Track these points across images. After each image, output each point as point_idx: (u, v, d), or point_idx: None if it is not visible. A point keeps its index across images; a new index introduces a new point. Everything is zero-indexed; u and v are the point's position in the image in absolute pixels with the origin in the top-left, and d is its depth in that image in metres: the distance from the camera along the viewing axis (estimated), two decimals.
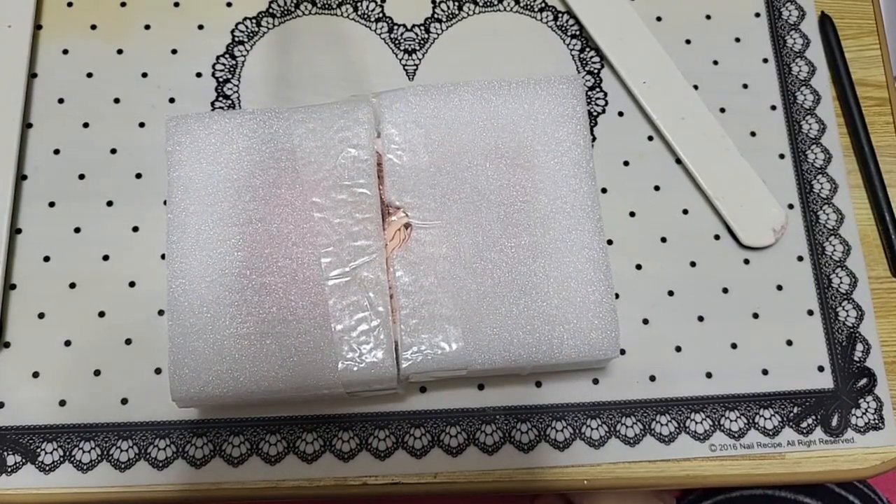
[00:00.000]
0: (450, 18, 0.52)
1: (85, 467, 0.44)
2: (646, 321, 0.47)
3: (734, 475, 0.45)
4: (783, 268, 0.48)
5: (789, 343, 0.47)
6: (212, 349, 0.40)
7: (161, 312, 0.46)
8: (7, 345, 0.45)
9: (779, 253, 0.48)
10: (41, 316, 0.46)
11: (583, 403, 0.45)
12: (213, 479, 0.44)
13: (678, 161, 0.50)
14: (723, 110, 0.51)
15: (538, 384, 0.46)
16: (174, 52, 0.51)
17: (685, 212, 0.49)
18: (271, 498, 0.44)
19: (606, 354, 0.42)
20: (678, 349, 0.46)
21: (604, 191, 0.49)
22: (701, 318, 0.47)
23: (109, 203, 0.48)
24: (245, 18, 0.52)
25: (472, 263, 0.42)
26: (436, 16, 0.52)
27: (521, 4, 0.53)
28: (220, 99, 0.50)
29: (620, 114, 0.51)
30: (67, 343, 0.46)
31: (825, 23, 0.52)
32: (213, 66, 0.51)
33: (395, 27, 0.52)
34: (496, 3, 0.53)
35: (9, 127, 0.48)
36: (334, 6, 0.52)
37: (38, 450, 0.44)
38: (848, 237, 0.49)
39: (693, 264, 0.48)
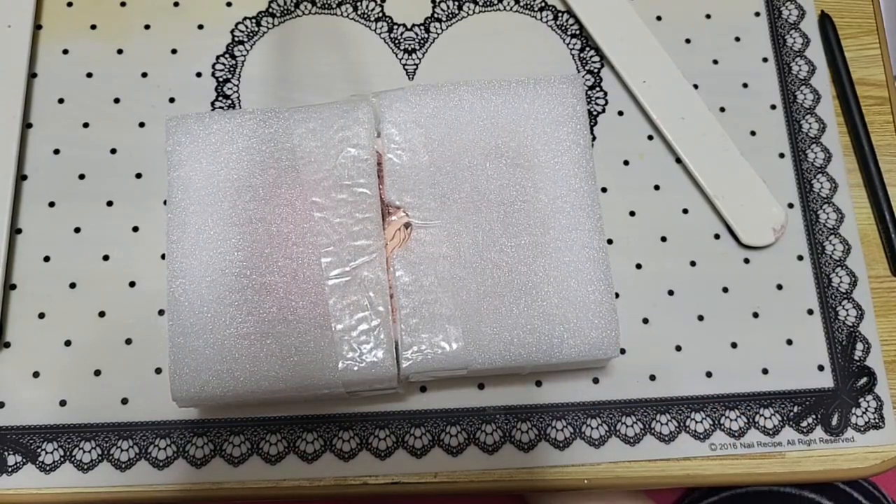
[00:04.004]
0: (450, 18, 0.52)
1: (85, 467, 0.44)
2: (646, 320, 0.47)
3: (734, 474, 0.45)
4: (783, 267, 0.48)
5: (789, 342, 0.47)
6: (212, 349, 0.40)
7: (161, 312, 0.46)
8: (7, 345, 0.45)
9: (779, 252, 0.48)
10: (41, 316, 0.46)
11: (583, 403, 0.45)
12: (213, 478, 0.44)
13: (678, 160, 0.50)
14: (723, 109, 0.51)
15: (538, 383, 0.46)
16: (174, 51, 0.51)
17: (685, 211, 0.49)
18: (272, 497, 0.44)
19: (606, 354, 0.42)
20: (678, 348, 0.46)
21: (604, 190, 0.49)
22: (701, 318, 0.47)
23: (109, 203, 0.48)
24: (245, 18, 0.52)
25: (472, 263, 0.42)
26: (436, 15, 0.53)
27: (521, 4, 0.53)
28: (220, 99, 0.50)
29: (620, 113, 0.51)
30: (67, 343, 0.46)
31: (825, 22, 0.52)
32: (213, 66, 0.51)
33: (395, 27, 0.52)
34: (496, 2, 0.53)
35: (9, 127, 0.48)
36: (334, 6, 0.52)
37: (39, 450, 0.44)
38: (848, 236, 0.49)
39: (693, 263, 0.48)
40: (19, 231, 0.47)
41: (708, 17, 0.53)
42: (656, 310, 0.47)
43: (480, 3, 0.53)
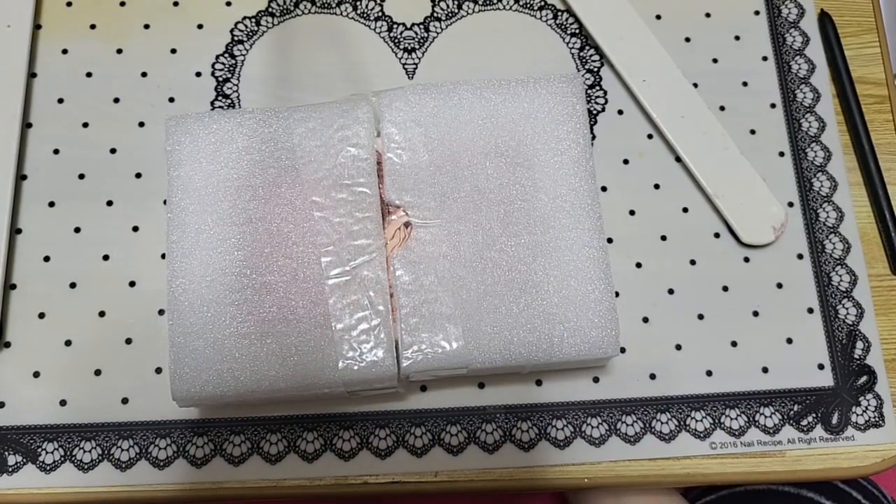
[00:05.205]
0: (449, 17, 0.52)
1: (86, 467, 0.44)
2: (646, 319, 0.47)
3: (734, 473, 0.45)
4: (783, 266, 0.48)
5: (789, 341, 0.47)
6: (212, 348, 0.40)
7: (161, 312, 0.46)
8: (7, 345, 0.45)
9: (779, 251, 0.48)
10: (41, 316, 0.46)
11: (583, 402, 0.45)
12: (213, 478, 0.44)
13: (678, 159, 0.50)
14: (722, 108, 0.51)
15: (538, 383, 0.46)
16: (174, 51, 0.51)
17: (685, 210, 0.49)
18: (272, 497, 0.44)
19: (606, 353, 0.42)
20: (678, 347, 0.46)
21: (604, 189, 0.49)
22: (701, 317, 0.47)
23: (109, 203, 0.48)
24: (244, 17, 0.52)
25: (472, 262, 0.42)
26: (435, 14, 0.52)
27: (521, 3, 0.53)
28: (220, 98, 0.50)
29: (620, 112, 0.51)
30: (68, 343, 0.46)
31: (825, 20, 0.52)
32: (213, 66, 0.51)
33: (395, 26, 0.52)
34: (495, 1, 0.53)
35: (9, 127, 0.48)
36: (334, 5, 0.52)
37: (39, 449, 0.44)
38: (848, 235, 0.49)
39: (693, 262, 0.48)
40: (19, 231, 0.47)
41: (707, 15, 0.53)
42: (656, 309, 0.47)
43: (480, 3, 0.53)
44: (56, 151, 0.49)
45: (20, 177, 0.48)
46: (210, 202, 0.43)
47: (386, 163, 0.43)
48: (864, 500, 0.52)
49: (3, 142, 0.47)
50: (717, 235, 0.48)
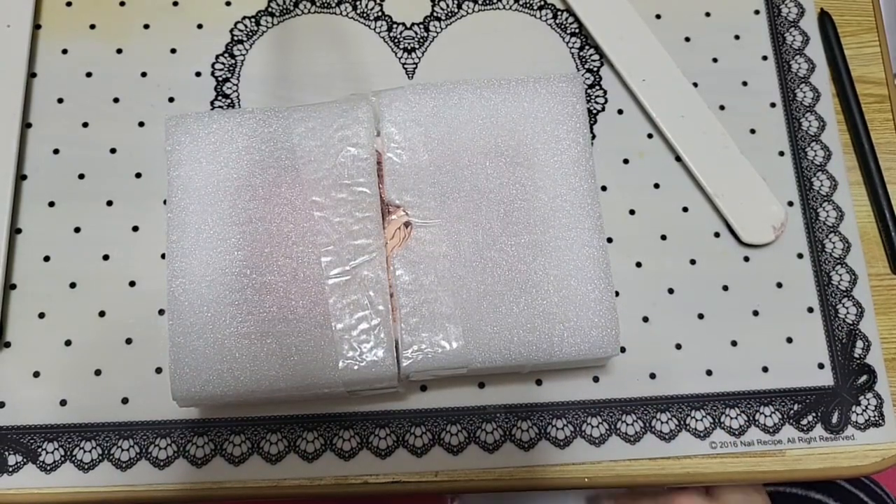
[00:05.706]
0: (449, 17, 0.52)
1: (86, 467, 0.44)
2: (646, 319, 0.47)
3: (734, 472, 0.45)
4: (783, 265, 0.48)
5: (789, 340, 0.47)
6: (212, 348, 0.40)
7: (161, 312, 0.46)
8: (7, 345, 0.45)
9: (779, 250, 0.48)
10: (41, 316, 0.46)
11: (583, 401, 0.45)
12: (214, 478, 0.44)
13: (678, 159, 0.50)
14: (722, 108, 0.51)
15: (538, 382, 0.46)
16: (173, 51, 0.51)
17: (685, 209, 0.49)
18: (272, 497, 0.44)
19: (607, 352, 0.42)
20: (678, 347, 0.46)
21: (603, 189, 0.49)
22: (701, 316, 0.47)
23: (109, 203, 0.48)
24: (244, 17, 0.52)
25: (472, 262, 0.42)
26: (435, 14, 0.52)
27: (521, 2, 0.53)
28: (220, 98, 0.50)
29: (620, 112, 0.51)
30: (68, 343, 0.46)
31: (824, 20, 0.52)
32: (213, 66, 0.51)
33: (395, 25, 0.52)
34: (495, 1, 0.53)
35: (9, 127, 0.48)
36: (333, 5, 0.52)
37: (40, 449, 0.44)
38: (848, 234, 0.49)
39: (693, 262, 0.48)
40: (19, 231, 0.47)
41: (707, 15, 0.53)
42: (656, 308, 0.47)
43: (480, 2, 0.53)
44: (56, 151, 0.49)
45: (20, 177, 0.48)
46: (210, 202, 0.43)
47: (386, 162, 0.43)
48: (868, 500, 0.52)
49: (3, 142, 0.47)
50: (717, 235, 0.48)
